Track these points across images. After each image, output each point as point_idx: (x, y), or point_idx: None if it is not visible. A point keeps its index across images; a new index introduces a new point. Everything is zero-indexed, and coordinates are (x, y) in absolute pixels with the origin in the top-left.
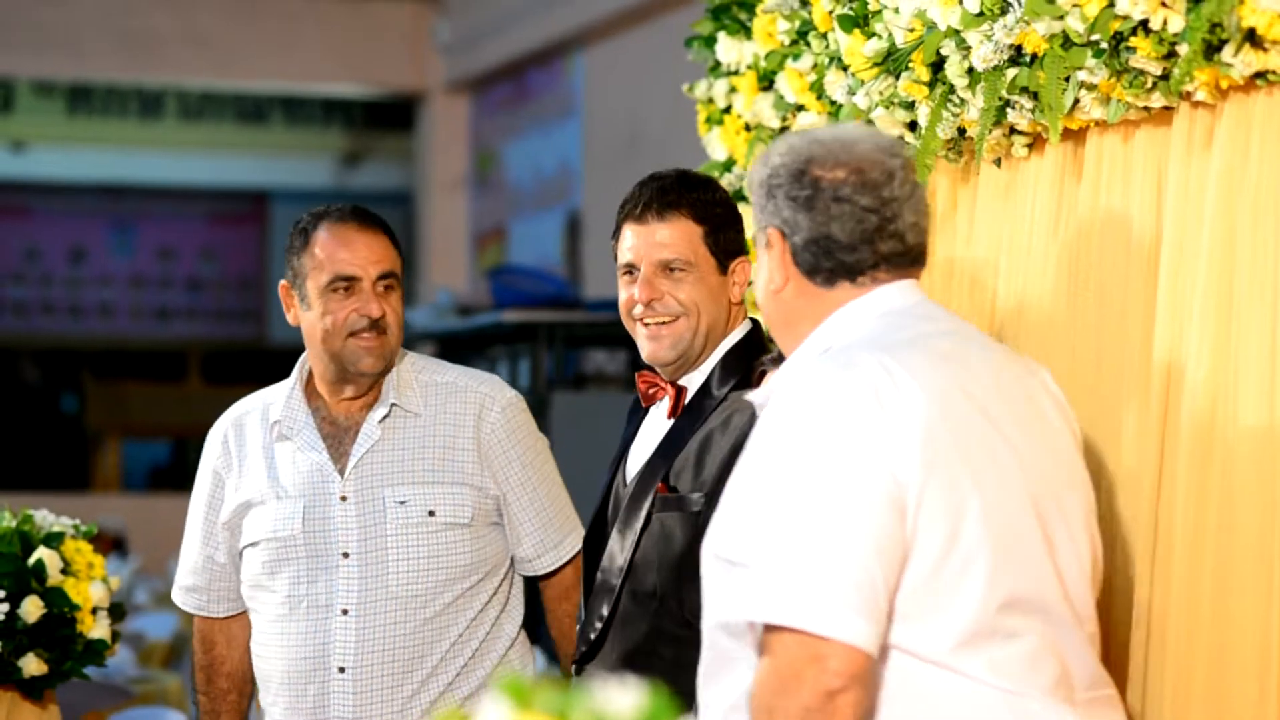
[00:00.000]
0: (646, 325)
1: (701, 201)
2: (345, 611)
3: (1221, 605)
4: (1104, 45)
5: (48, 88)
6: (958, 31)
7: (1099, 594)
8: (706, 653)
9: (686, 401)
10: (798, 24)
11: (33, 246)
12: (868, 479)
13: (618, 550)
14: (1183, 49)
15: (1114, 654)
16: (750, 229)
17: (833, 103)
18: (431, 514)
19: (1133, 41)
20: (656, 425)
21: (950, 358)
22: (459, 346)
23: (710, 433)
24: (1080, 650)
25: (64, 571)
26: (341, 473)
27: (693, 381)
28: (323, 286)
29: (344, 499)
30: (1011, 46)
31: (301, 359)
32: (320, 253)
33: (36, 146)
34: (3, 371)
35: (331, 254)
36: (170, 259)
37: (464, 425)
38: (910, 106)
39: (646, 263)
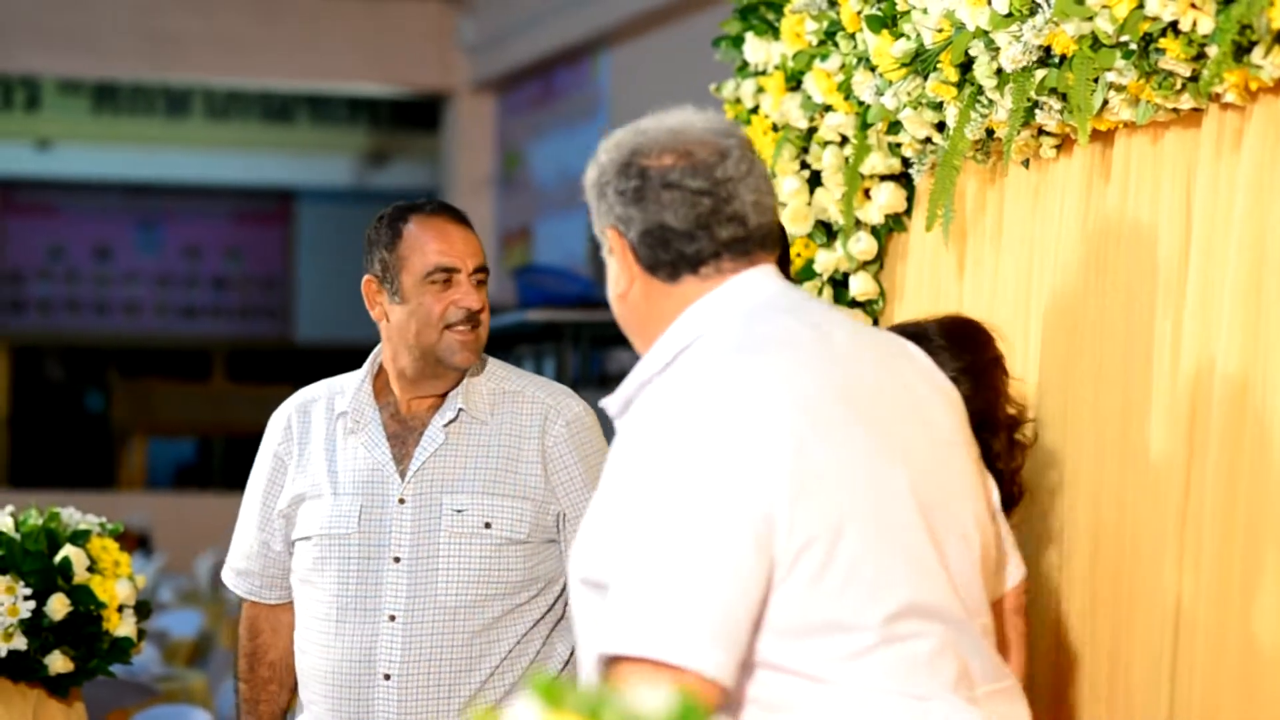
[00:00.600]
0: None
1: None
2: (393, 618)
3: (1251, 603)
4: (1133, 46)
5: (73, 86)
6: (986, 32)
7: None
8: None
9: None
10: (826, 24)
11: (59, 244)
12: (732, 508)
13: None
14: (1212, 50)
15: (1142, 650)
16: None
17: (860, 103)
18: (488, 525)
19: (1162, 43)
20: None
21: (820, 357)
22: (485, 345)
23: None
24: (977, 646)
25: (90, 569)
26: (403, 475)
27: None
28: (420, 278)
29: (402, 502)
30: (1040, 47)
31: (374, 353)
32: (416, 244)
33: (62, 145)
34: (29, 369)
35: (428, 245)
36: (196, 257)
37: (529, 437)
38: (938, 107)
39: None
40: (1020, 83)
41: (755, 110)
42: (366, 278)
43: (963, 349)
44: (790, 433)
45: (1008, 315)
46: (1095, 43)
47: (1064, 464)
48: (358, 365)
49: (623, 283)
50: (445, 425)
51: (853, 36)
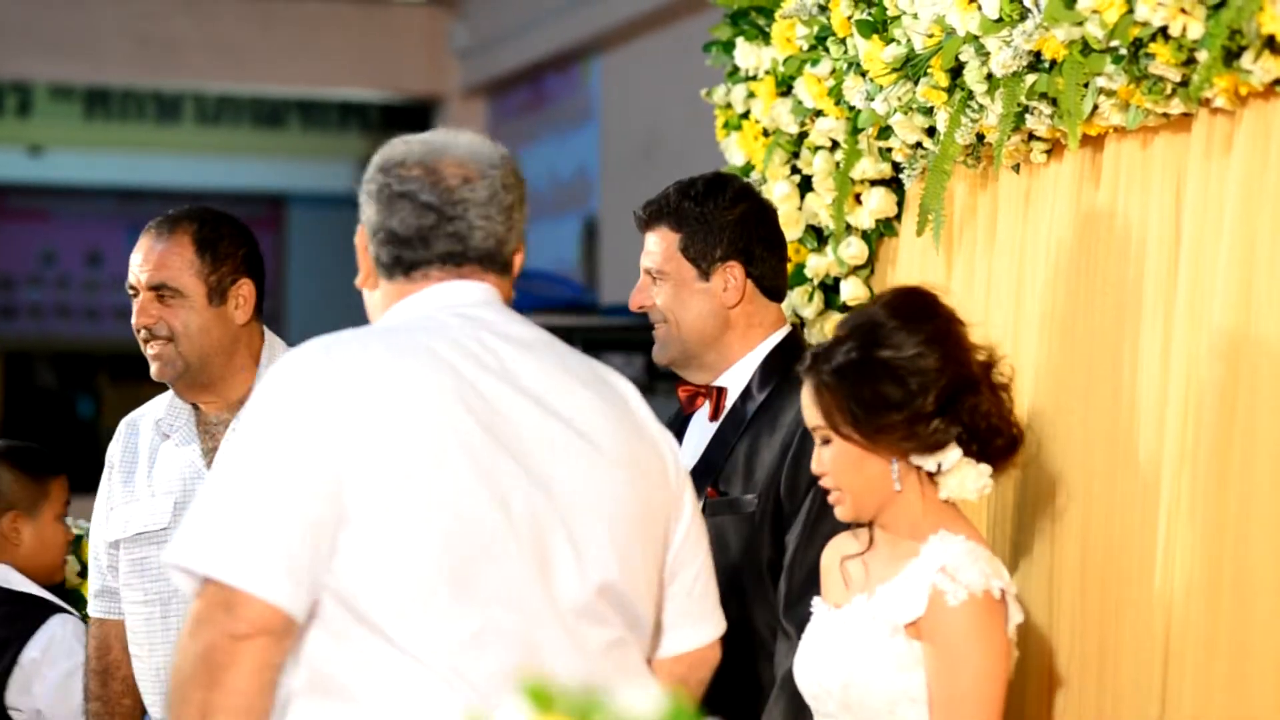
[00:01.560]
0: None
1: (682, 210)
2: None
3: (1241, 605)
4: (1123, 51)
5: (65, 92)
6: (976, 37)
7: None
8: None
9: (728, 406)
10: (816, 29)
11: (50, 250)
12: (313, 469)
13: None
14: (1202, 55)
15: (1131, 653)
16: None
17: (851, 108)
18: None
19: (1152, 48)
20: (699, 432)
21: (442, 365)
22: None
23: (758, 434)
24: (566, 653)
25: (81, 574)
26: (209, 466)
27: (732, 385)
28: (130, 295)
29: None
30: (1030, 52)
31: None
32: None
33: (54, 150)
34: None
35: (130, 261)
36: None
37: None
38: (929, 112)
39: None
40: (1010, 88)
41: (746, 115)
42: None
43: (917, 321)
44: (391, 422)
45: (999, 319)
46: (1085, 48)
47: (1054, 468)
48: None
49: (361, 272)
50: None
51: (843, 41)
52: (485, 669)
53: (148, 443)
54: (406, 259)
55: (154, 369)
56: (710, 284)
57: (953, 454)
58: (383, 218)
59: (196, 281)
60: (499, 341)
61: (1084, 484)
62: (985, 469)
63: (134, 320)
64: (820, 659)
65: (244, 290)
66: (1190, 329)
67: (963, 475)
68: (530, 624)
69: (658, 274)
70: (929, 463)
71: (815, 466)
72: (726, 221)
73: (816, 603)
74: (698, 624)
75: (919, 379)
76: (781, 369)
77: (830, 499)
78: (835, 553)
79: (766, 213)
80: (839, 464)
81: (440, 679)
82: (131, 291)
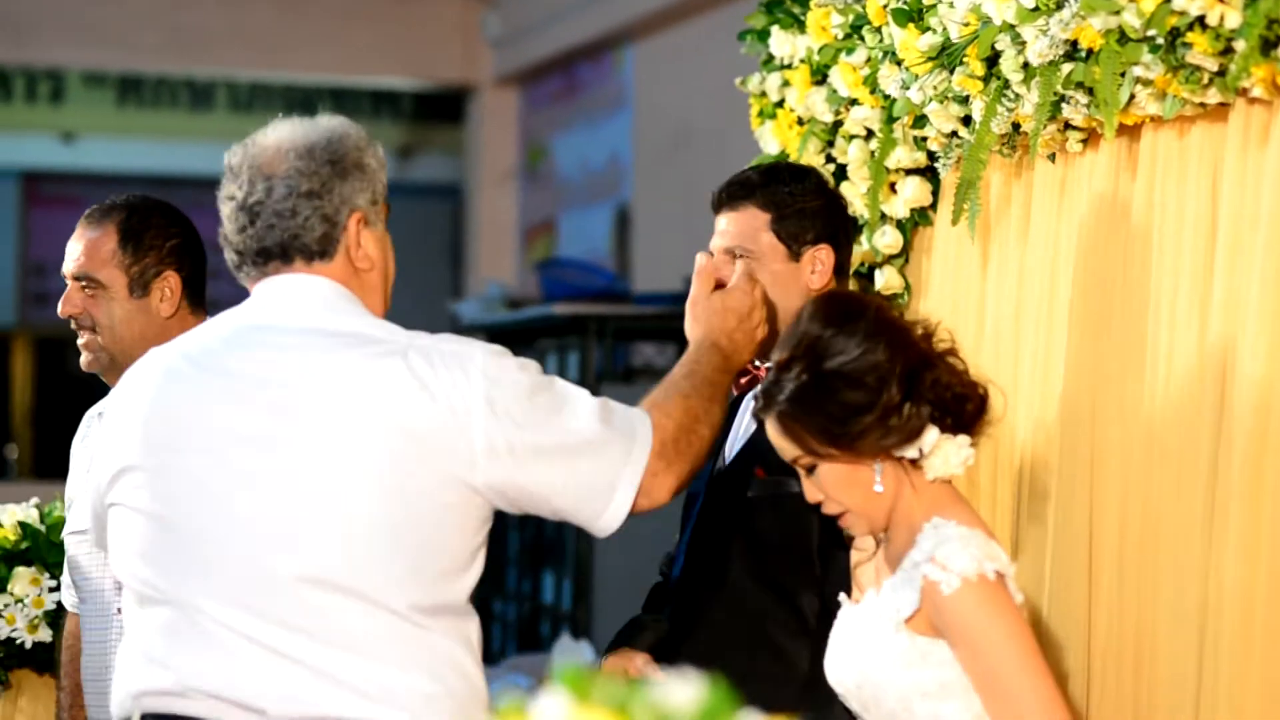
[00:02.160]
0: None
1: (772, 190)
2: (120, 611)
3: (1276, 596)
4: (1160, 41)
5: (98, 79)
6: (1013, 26)
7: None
8: None
9: None
10: (852, 18)
11: None
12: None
13: (717, 536)
14: (1239, 45)
15: (1167, 643)
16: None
17: (886, 97)
18: None
19: (1189, 37)
20: (749, 412)
21: (169, 370)
22: (508, 339)
23: None
24: (199, 633)
25: None
26: None
27: None
28: None
29: None
30: (1067, 42)
31: None
32: None
33: (86, 137)
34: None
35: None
36: (219, 250)
37: None
38: (965, 101)
39: (716, 249)
40: (1047, 77)
41: (781, 104)
42: None
43: (850, 321)
44: (123, 425)
45: (1033, 309)
46: (1122, 37)
47: (1090, 458)
48: None
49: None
50: None
51: (879, 30)
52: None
53: (96, 437)
54: (232, 260)
55: (82, 360)
56: (799, 265)
57: (931, 435)
58: (221, 219)
59: (118, 273)
60: (223, 351)
61: (1120, 475)
62: (963, 439)
63: (59, 309)
64: (839, 656)
65: (169, 283)
66: (1227, 319)
67: (944, 453)
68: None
69: (743, 251)
70: (911, 451)
71: (811, 496)
72: (818, 206)
73: (842, 597)
74: None
75: (875, 374)
76: None
77: (841, 523)
78: (855, 551)
79: (844, 203)
80: (833, 486)
81: None
82: (65, 279)
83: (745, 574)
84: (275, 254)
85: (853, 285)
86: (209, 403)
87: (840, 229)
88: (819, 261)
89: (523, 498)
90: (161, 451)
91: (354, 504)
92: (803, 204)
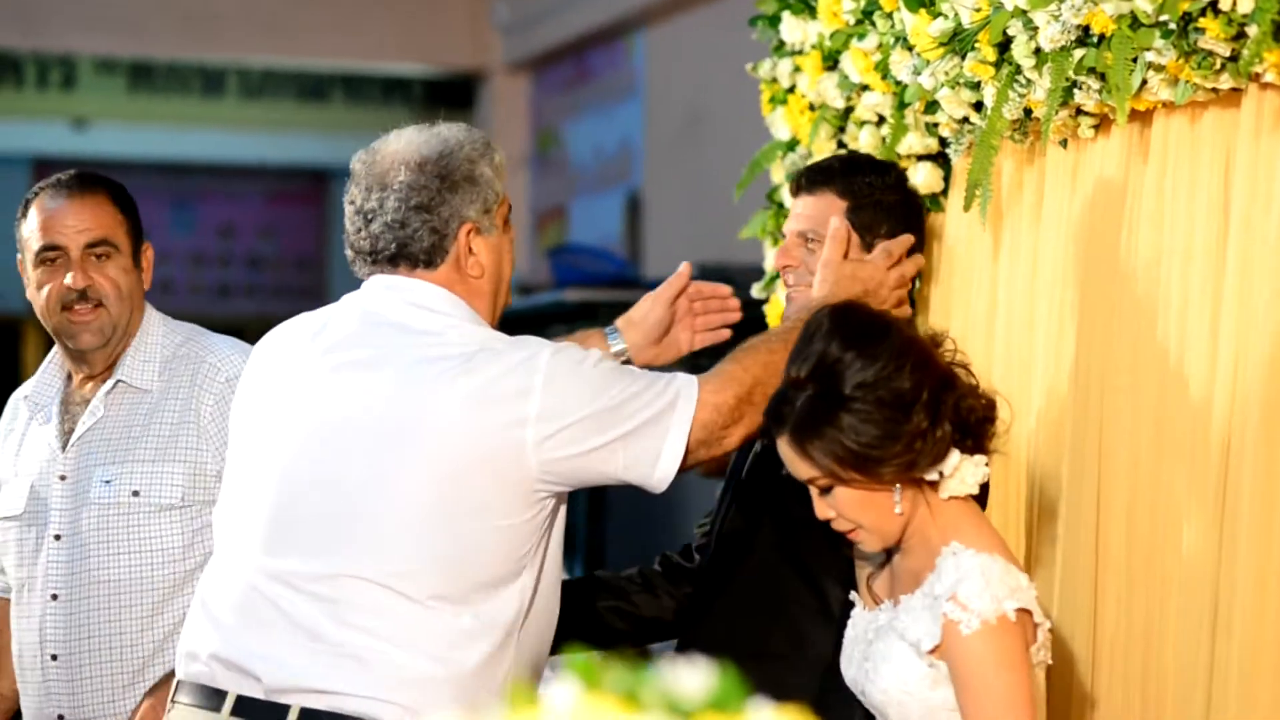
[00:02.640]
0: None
1: (852, 178)
2: (55, 596)
3: None
4: (1172, 26)
5: (109, 66)
6: (1025, 12)
7: None
8: None
9: None
10: (863, 3)
11: None
12: None
13: (751, 513)
14: (1252, 30)
15: (1176, 635)
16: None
17: (897, 83)
18: (135, 494)
19: (1201, 22)
20: None
21: (277, 352)
22: (519, 325)
23: None
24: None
25: None
26: (64, 449)
27: None
28: (34, 260)
29: (63, 478)
30: (1079, 27)
31: None
32: (31, 225)
33: (98, 124)
34: None
35: (36, 225)
36: (230, 237)
37: (188, 398)
38: (976, 87)
39: (789, 232)
40: (1058, 62)
41: (792, 90)
42: (18, 258)
43: (871, 343)
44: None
45: (1044, 295)
46: (1134, 22)
47: (1100, 447)
48: None
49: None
50: (105, 395)
51: (890, 16)
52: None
53: (25, 418)
54: (349, 257)
55: (84, 338)
56: (872, 255)
57: (953, 458)
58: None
59: (126, 240)
60: (328, 341)
61: (1130, 462)
62: (980, 459)
63: (67, 282)
64: (858, 662)
65: (149, 254)
66: (1239, 304)
67: (962, 473)
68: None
69: (815, 236)
70: (932, 474)
71: (821, 514)
72: (895, 200)
73: (854, 597)
74: None
75: (902, 401)
76: None
77: (851, 537)
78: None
79: (922, 203)
80: (848, 506)
81: None
82: (53, 254)
83: (773, 550)
84: (385, 258)
85: None
86: (307, 381)
87: (916, 226)
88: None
89: (577, 473)
90: (262, 422)
91: (401, 498)
92: (881, 195)
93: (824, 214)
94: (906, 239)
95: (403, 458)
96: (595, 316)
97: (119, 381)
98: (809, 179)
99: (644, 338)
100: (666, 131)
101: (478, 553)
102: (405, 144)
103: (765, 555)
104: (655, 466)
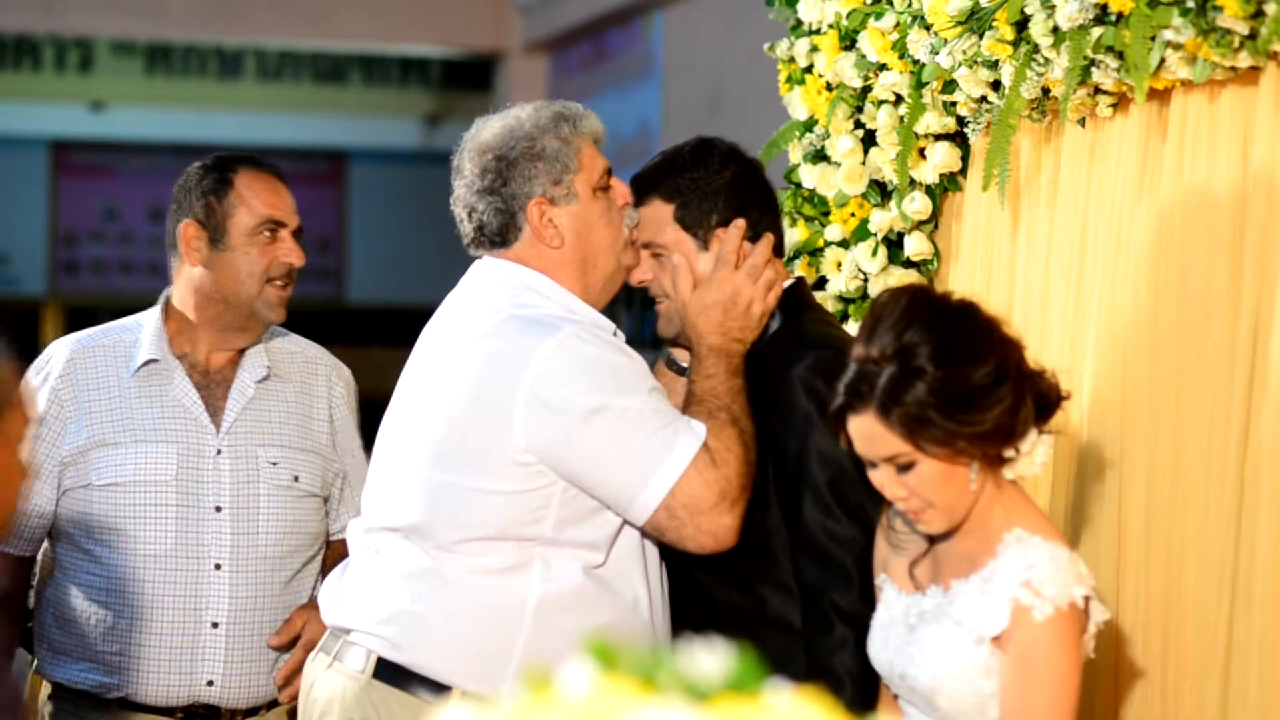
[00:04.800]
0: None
1: (672, 179)
2: (218, 566)
3: None
4: (1190, 4)
5: (127, 48)
6: None
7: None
8: None
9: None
10: None
11: (112, 205)
12: None
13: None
14: (1270, 8)
15: (1194, 627)
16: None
17: (915, 62)
18: (296, 479)
19: (1219, 1)
20: None
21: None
22: None
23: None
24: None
25: None
26: (218, 427)
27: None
28: (249, 229)
29: (219, 453)
30: (1097, 5)
31: (163, 301)
32: (246, 195)
33: (116, 106)
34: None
35: (260, 198)
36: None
37: (319, 395)
38: (994, 66)
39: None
40: (1076, 41)
41: (809, 69)
42: (186, 222)
43: (963, 321)
44: None
45: (1060, 275)
46: (1152, 1)
47: (1119, 431)
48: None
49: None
50: (257, 382)
51: None
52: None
53: (111, 379)
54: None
55: (277, 313)
56: (710, 252)
57: (1031, 436)
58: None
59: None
60: (446, 315)
61: (1149, 439)
62: (1048, 438)
63: (282, 257)
64: (896, 647)
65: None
66: (1258, 283)
67: (1034, 453)
68: None
69: (657, 248)
70: (1010, 451)
71: (893, 491)
72: (719, 186)
73: (884, 582)
74: None
75: (989, 377)
76: (780, 324)
77: (916, 517)
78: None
79: (756, 171)
80: (928, 483)
81: None
82: (272, 229)
83: (704, 571)
84: (471, 242)
85: (881, 253)
86: (411, 360)
87: (751, 202)
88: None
89: (564, 464)
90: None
91: (425, 463)
92: (704, 187)
93: (656, 221)
94: (735, 229)
95: (426, 416)
96: (612, 299)
97: (269, 368)
98: (635, 190)
99: None
100: (684, 112)
101: (472, 511)
102: (478, 130)
103: (702, 580)
104: (638, 494)
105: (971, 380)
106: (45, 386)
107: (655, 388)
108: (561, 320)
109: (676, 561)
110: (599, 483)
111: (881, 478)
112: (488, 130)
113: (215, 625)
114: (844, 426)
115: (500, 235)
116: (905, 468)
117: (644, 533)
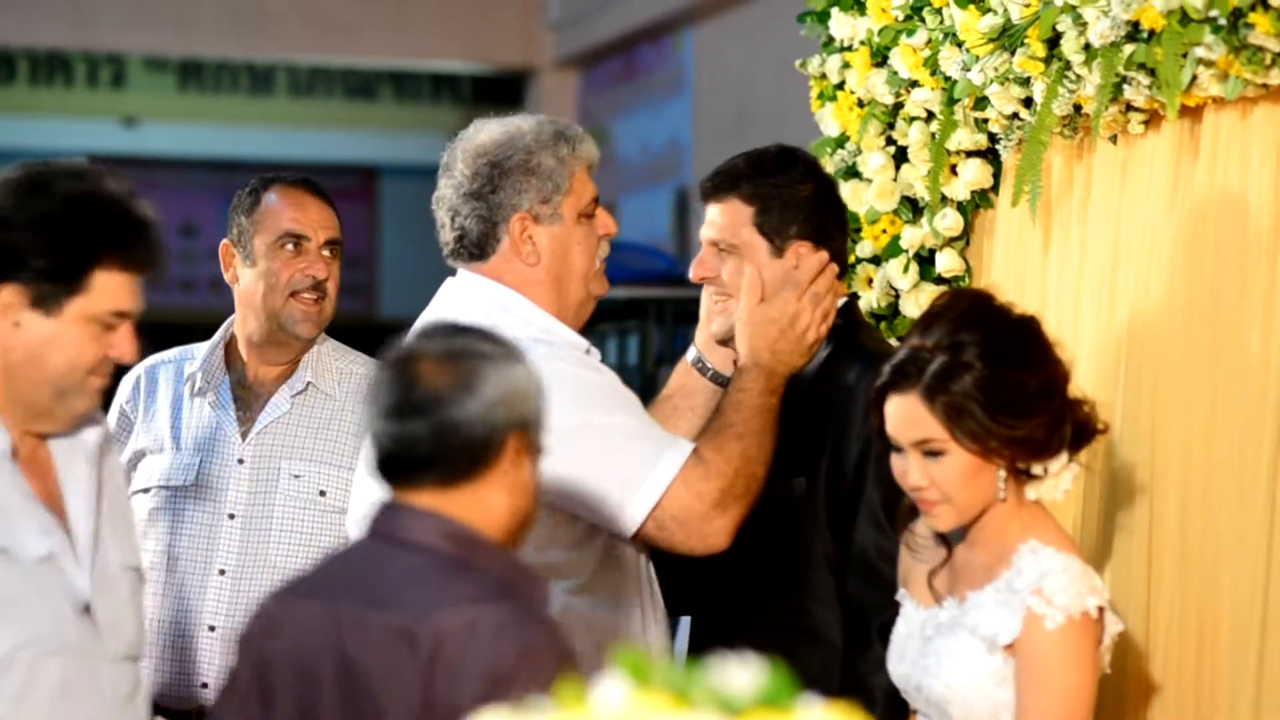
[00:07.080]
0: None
1: (756, 182)
2: (223, 572)
3: None
4: (1222, 22)
5: (159, 64)
6: (1074, 7)
7: None
8: None
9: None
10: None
11: None
12: None
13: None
14: None
15: (1229, 638)
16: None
17: (947, 79)
18: (322, 494)
19: (1251, 18)
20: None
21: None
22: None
23: (805, 410)
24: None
25: None
26: (244, 436)
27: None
28: (271, 242)
29: (241, 462)
30: (1129, 22)
31: (227, 322)
32: (271, 211)
33: (148, 122)
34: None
35: (282, 212)
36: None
37: (355, 410)
38: (1026, 83)
39: (703, 241)
40: (1108, 58)
41: (841, 86)
42: (224, 241)
43: (1013, 333)
44: None
45: (1093, 292)
46: (1184, 18)
47: (1151, 446)
48: None
49: None
50: (293, 395)
51: (939, 11)
52: None
53: (169, 393)
54: None
55: (304, 326)
56: (784, 260)
57: (1061, 459)
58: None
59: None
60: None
61: (1182, 456)
62: (1076, 468)
63: (304, 269)
64: (912, 659)
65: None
66: None
67: (1059, 478)
68: None
69: (726, 246)
70: (1038, 468)
71: (915, 478)
72: (802, 198)
73: (903, 596)
74: None
75: (1037, 389)
76: (836, 340)
77: (927, 508)
78: (909, 550)
79: (835, 189)
80: (951, 476)
81: None
82: (294, 242)
83: (748, 583)
84: (450, 251)
85: (913, 269)
86: None
87: (829, 219)
88: (802, 255)
89: (549, 483)
90: None
91: None
92: (787, 196)
93: (732, 222)
94: (818, 259)
95: None
96: (643, 314)
97: (310, 384)
98: (714, 185)
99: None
100: (715, 128)
101: None
102: (475, 132)
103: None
104: (625, 507)
105: (1017, 387)
106: (115, 402)
107: (633, 404)
108: (533, 342)
109: (719, 572)
110: (585, 498)
111: (905, 464)
112: (485, 134)
113: (212, 629)
114: (882, 405)
115: (479, 247)
116: (934, 454)
117: (633, 544)
